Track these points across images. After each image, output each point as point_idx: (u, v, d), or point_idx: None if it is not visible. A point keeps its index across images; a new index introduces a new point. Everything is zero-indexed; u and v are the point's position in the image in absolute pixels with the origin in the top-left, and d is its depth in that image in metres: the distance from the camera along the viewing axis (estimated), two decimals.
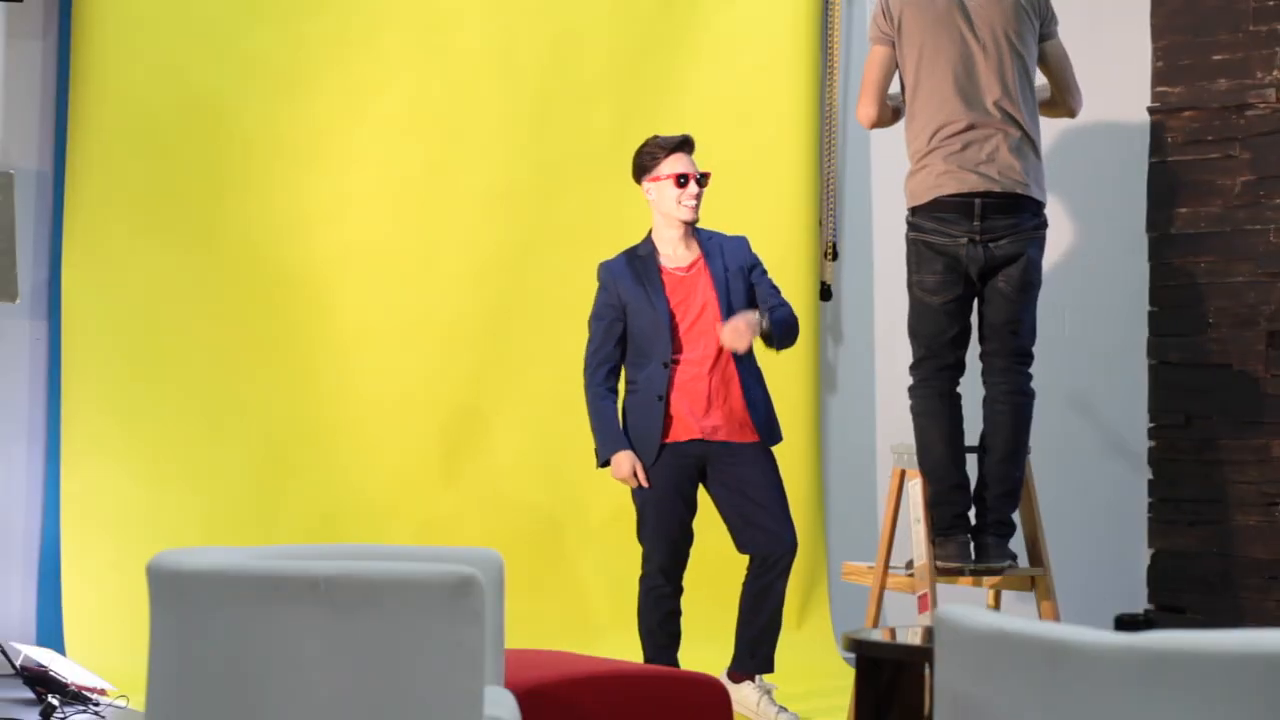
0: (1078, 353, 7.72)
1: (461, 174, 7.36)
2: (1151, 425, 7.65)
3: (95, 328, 6.93)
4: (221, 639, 3.89)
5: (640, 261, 6.20)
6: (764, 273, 6.29)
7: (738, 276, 6.20)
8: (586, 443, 7.39)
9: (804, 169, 7.65)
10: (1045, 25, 6.20)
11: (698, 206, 6.17)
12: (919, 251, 6.02)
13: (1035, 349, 6.18)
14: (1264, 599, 7.25)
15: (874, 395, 7.80)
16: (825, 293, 7.74)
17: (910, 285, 6.08)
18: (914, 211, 6.05)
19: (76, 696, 5.97)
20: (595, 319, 6.25)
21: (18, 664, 6.13)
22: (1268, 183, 7.31)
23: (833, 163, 7.75)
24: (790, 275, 7.53)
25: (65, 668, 6.21)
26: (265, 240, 7.16)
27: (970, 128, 6.01)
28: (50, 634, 6.79)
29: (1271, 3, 7.31)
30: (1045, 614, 6.16)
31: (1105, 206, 7.76)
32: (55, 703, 5.90)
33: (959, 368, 6.07)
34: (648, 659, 6.10)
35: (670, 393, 6.11)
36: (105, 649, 6.65)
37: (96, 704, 5.98)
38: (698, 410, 6.11)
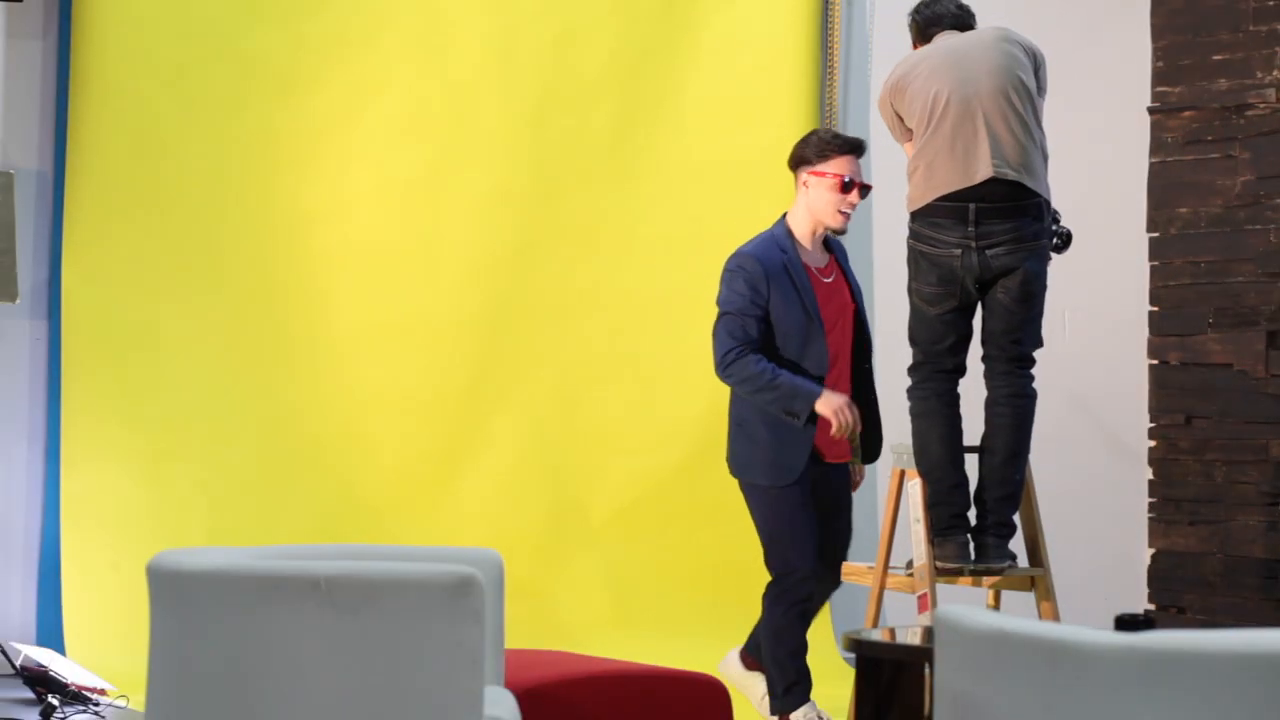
0: (1078, 353, 7.72)
1: (461, 174, 7.36)
2: (1151, 425, 7.65)
3: (95, 328, 6.92)
4: (221, 639, 3.89)
5: (788, 258, 5.70)
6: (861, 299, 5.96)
7: (859, 295, 5.92)
8: (587, 443, 7.41)
9: None
10: (1039, 82, 6.13)
11: (849, 218, 5.78)
12: (916, 260, 5.98)
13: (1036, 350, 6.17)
14: (1264, 599, 7.25)
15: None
16: None
17: (910, 290, 6.06)
18: (912, 219, 6.02)
19: (76, 696, 5.97)
20: (733, 316, 5.65)
21: (18, 664, 6.13)
22: (1268, 183, 7.31)
23: None
24: None
25: (65, 668, 6.21)
26: (265, 240, 7.16)
27: (967, 139, 5.92)
28: (50, 634, 6.79)
29: (1271, 3, 7.31)
30: (1045, 614, 6.16)
31: (1105, 206, 7.76)
32: (55, 703, 5.90)
33: (958, 371, 6.06)
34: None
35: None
36: (105, 649, 6.65)
37: (96, 704, 5.98)
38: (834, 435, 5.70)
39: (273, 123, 7.16)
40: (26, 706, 5.99)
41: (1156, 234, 7.66)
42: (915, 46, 6.12)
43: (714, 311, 7.18)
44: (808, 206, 5.77)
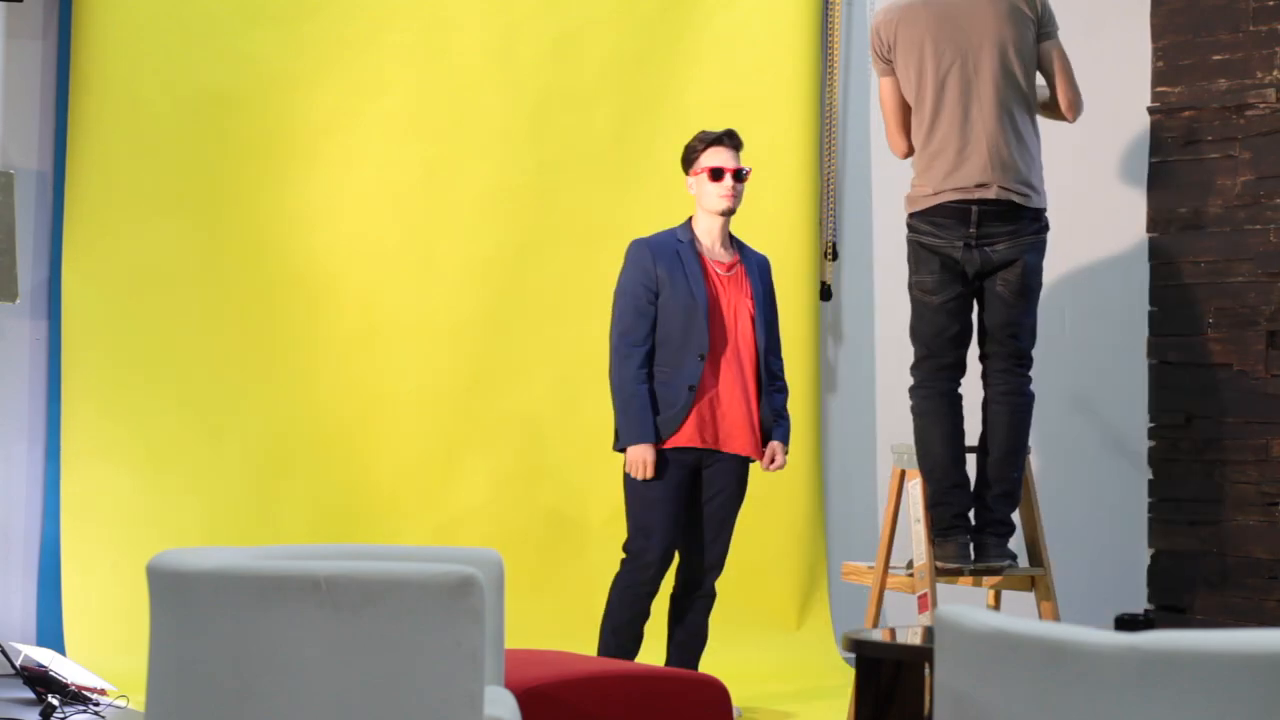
0: (1078, 353, 7.72)
1: (461, 174, 7.36)
2: (1151, 425, 7.65)
3: (95, 328, 6.93)
4: (221, 639, 3.89)
5: (681, 245, 6.11)
6: (775, 309, 6.23)
7: (765, 299, 6.17)
8: (587, 443, 7.40)
9: (804, 169, 7.66)
10: (1043, 26, 6.18)
11: (734, 197, 6.09)
12: (916, 252, 6.04)
13: (1035, 349, 6.18)
14: (1264, 599, 7.25)
15: (874, 395, 7.80)
16: (825, 293, 7.74)
17: (910, 286, 6.09)
18: (912, 215, 6.07)
19: (76, 696, 5.97)
20: (626, 295, 6.08)
21: (18, 664, 6.13)
22: (1268, 183, 7.31)
23: (833, 163, 7.75)
24: (790, 275, 7.53)
25: (65, 668, 6.21)
26: (265, 240, 7.16)
27: (966, 141, 6.01)
28: (50, 634, 6.79)
29: (1271, 3, 7.31)
30: (1045, 614, 6.16)
31: (1105, 206, 7.76)
32: (55, 703, 5.90)
33: (959, 368, 6.08)
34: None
35: (701, 386, 6.02)
36: (105, 649, 6.65)
37: (96, 704, 5.98)
38: (731, 427, 6.05)
39: (273, 123, 7.17)
40: (26, 706, 5.99)
41: (1156, 234, 7.66)
42: None
43: None
44: (698, 204, 6.17)
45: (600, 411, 7.28)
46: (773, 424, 6.15)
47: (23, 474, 6.94)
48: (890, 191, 7.78)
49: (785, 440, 6.19)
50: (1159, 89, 7.65)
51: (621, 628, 6.06)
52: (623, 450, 6.03)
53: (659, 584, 6.11)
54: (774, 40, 7.63)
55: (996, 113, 6.01)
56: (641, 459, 5.98)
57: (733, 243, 6.21)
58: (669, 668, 5.84)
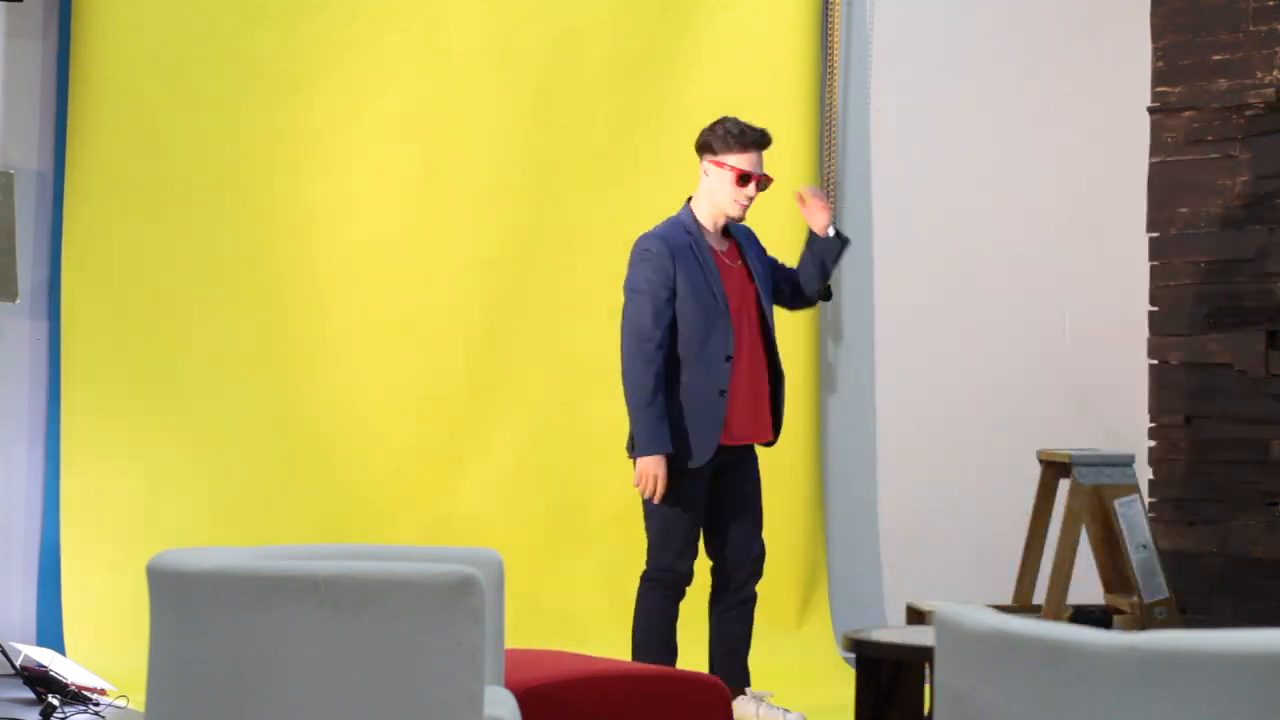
0: (1078, 353, 7.72)
1: (461, 174, 7.36)
2: (1151, 425, 7.66)
3: (95, 328, 6.92)
4: (221, 639, 3.89)
5: (693, 240, 5.88)
6: (769, 261, 6.14)
7: (766, 269, 6.07)
8: (587, 442, 7.40)
9: (804, 168, 7.65)
10: None
11: (748, 208, 5.94)
12: None
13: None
14: (1264, 599, 7.25)
15: (874, 395, 7.80)
16: (825, 293, 7.74)
17: None
18: None
19: (76, 696, 5.97)
20: (642, 295, 5.81)
21: (18, 664, 6.13)
22: (1268, 182, 7.31)
23: (833, 163, 7.74)
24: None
25: (65, 668, 6.21)
26: (265, 240, 7.15)
27: None
28: (50, 634, 6.79)
29: (1271, 3, 7.31)
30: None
31: (1105, 206, 7.76)
32: (55, 703, 5.90)
33: None
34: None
35: (731, 389, 5.83)
36: (105, 649, 6.65)
37: (96, 704, 5.98)
38: (744, 418, 5.90)
39: (273, 122, 7.16)
40: (26, 706, 5.99)
41: (1156, 234, 7.66)
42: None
43: None
44: (708, 193, 5.95)
45: (600, 411, 7.28)
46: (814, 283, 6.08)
47: (23, 474, 6.94)
48: (890, 192, 7.78)
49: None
50: (1159, 89, 7.65)
51: (653, 651, 5.90)
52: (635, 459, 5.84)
53: (682, 595, 5.98)
54: (774, 40, 7.63)
55: None
56: (653, 473, 5.76)
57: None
58: (669, 668, 5.83)
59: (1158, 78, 7.64)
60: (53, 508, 6.88)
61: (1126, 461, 6.46)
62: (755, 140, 5.93)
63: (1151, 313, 7.66)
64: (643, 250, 5.89)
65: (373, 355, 7.24)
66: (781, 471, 7.45)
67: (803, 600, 7.54)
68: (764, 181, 5.95)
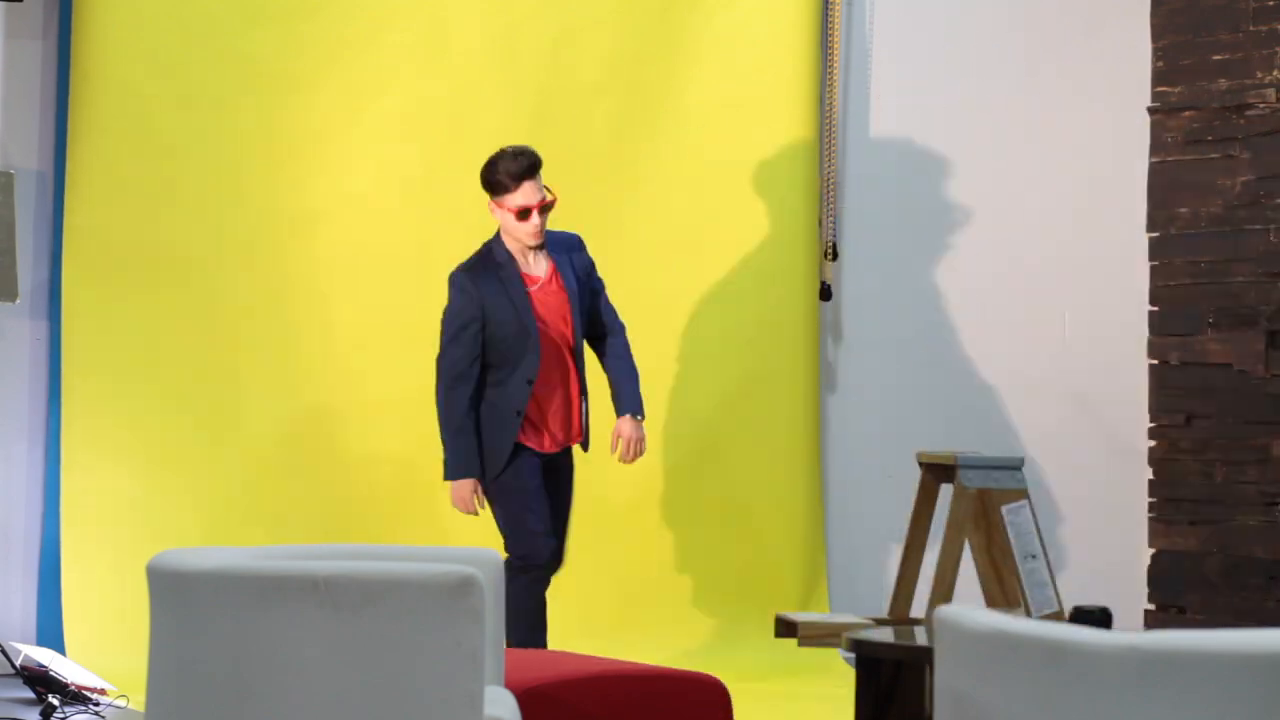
0: (1078, 353, 7.72)
1: (461, 174, 7.35)
2: (1151, 425, 7.66)
3: (95, 328, 6.92)
4: (221, 639, 3.89)
5: (500, 269, 6.18)
6: (600, 283, 6.36)
7: (585, 288, 6.30)
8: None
9: (804, 169, 7.65)
10: None
11: (542, 230, 6.17)
12: None
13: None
14: (1264, 599, 7.25)
15: (874, 395, 7.80)
16: (825, 293, 7.73)
17: None
18: None
19: (76, 696, 5.97)
20: (452, 326, 6.15)
21: (18, 664, 6.13)
22: (1268, 183, 7.31)
23: (833, 163, 7.74)
24: (790, 275, 7.53)
25: (65, 668, 6.20)
26: (265, 240, 7.15)
27: None
28: (50, 634, 6.79)
29: (1271, 3, 7.31)
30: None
31: (1105, 206, 7.76)
32: (55, 703, 5.90)
33: None
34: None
35: (529, 409, 6.16)
36: (105, 649, 6.65)
37: (96, 704, 5.98)
38: (556, 426, 6.22)
39: (273, 122, 7.16)
40: (26, 706, 5.99)
41: (1156, 234, 7.66)
42: None
43: (713, 310, 7.16)
44: (503, 229, 6.21)
45: (599, 411, 7.28)
46: (617, 395, 6.30)
47: (23, 474, 6.94)
48: (890, 192, 7.78)
49: (636, 408, 6.31)
50: (1159, 89, 7.65)
51: (522, 632, 6.13)
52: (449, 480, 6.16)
53: (543, 578, 6.24)
54: (774, 40, 7.62)
55: None
56: (466, 495, 6.12)
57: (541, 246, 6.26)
58: (669, 668, 5.84)
59: (1158, 78, 7.64)
60: (53, 508, 6.88)
61: (1015, 465, 6.19)
62: (520, 174, 6.14)
63: (1151, 313, 7.66)
64: (454, 283, 6.18)
65: (373, 355, 7.24)
66: (781, 471, 7.45)
67: (803, 599, 7.54)
68: (545, 206, 6.17)
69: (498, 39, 7.38)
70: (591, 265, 6.36)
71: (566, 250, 6.31)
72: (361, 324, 7.24)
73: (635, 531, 7.30)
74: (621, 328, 6.40)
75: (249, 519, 7.02)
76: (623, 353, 6.36)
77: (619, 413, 6.31)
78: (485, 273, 6.18)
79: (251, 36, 7.12)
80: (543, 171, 7.52)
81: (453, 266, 7.35)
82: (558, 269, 6.26)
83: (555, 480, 6.29)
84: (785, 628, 6.01)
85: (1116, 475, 7.69)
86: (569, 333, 6.23)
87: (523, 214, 6.14)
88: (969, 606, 3.22)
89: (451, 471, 6.15)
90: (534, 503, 6.16)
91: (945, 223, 7.76)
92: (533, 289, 6.20)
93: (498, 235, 6.27)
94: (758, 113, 7.58)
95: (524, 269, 6.22)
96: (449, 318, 6.17)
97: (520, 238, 6.18)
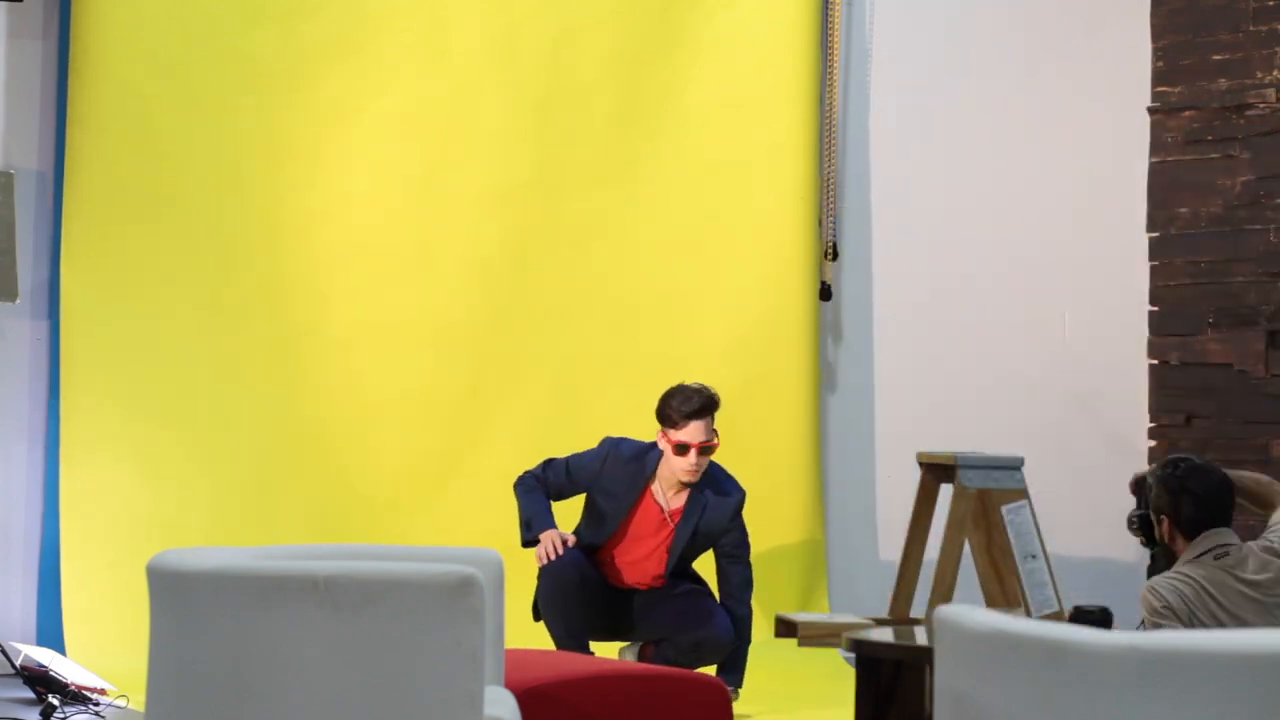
0: (1078, 353, 7.72)
1: (461, 174, 7.36)
2: (1151, 425, 7.65)
3: (95, 328, 6.92)
4: (221, 639, 3.89)
5: (636, 475, 6.26)
6: (738, 546, 6.31)
7: (704, 540, 6.28)
8: (586, 442, 7.38)
9: (804, 169, 7.65)
10: None
11: (697, 471, 6.20)
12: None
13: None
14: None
15: (874, 395, 7.80)
16: (825, 293, 7.74)
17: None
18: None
19: (76, 696, 5.97)
20: (571, 463, 6.32)
21: (18, 664, 6.12)
22: (1268, 183, 7.31)
23: (833, 163, 7.75)
24: (790, 275, 7.53)
25: (65, 668, 6.20)
26: (265, 240, 7.15)
27: None
28: (50, 634, 6.79)
29: (1271, 3, 7.31)
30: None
31: (1105, 206, 7.76)
32: (55, 703, 5.90)
33: None
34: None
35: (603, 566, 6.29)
36: (105, 649, 6.64)
37: (96, 704, 5.98)
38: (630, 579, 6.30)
39: (273, 122, 7.16)
40: (26, 706, 5.98)
41: (1156, 234, 7.66)
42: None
43: (712, 311, 7.15)
44: (664, 456, 6.25)
45: (599, 410, 7.29)
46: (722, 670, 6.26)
47: (23, 473, 6.94)
48: (890, 192, 7.78)
49: (736, 681, 6.23)
50: (1159, 89, 7.65)
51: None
52: (532, 542, 6.20)
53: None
54: (774, 40, 7.63)
55: None
56: (550, 540, 6.14)
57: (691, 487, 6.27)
58: (669, 668, 5.84)
59: (1158, 78, 7.64)
60: (53, 508, 6.88)
61: (1015, 465, 6.17)
62: (689, 413, 6.17)
63: (1151, 313, 7.66)
64: (602, 443, 6.34)
65: (372, 354, 7.24)
66: (781, 471, 7.45)
67: (802, 599, 7.54)
68: (706, 447, 6.20)
69: (498, 39, 7.39)
70: (731, 529, 6.30)
71: (706, 504, 6.28)
72: (361, 324, 7.24)
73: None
74: (745, 612, 6.35)
75: (249, 519, 7.02)
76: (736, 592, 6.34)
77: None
78: (628, 463, 6.26)
79: (251, 36, 7.12)
80: (542, 171, 7.52)
81: (452, 266, 7.37)
82: (683, 518, 6.27)
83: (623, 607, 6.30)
84: (785, 628, 6.01)
85: (1116, 475, 7.68)
86: (652, 569, 6.29)
87: (680, 449, 6.19)
88: (969, 606, 3.22)
89: (534, 529, 6.21)
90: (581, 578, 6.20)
91: (945, 223, 7.76)
92: (648, 508, 6.27)
93: (657, 450, 6.29)
94: (758, 113, 7.58)
95: (655, 494, 6.27)
96: (575, 457, 6.33)
97: (674, 471, 6.22)
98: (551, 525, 6.18)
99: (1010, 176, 7.77)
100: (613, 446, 6.32)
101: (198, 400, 7.05)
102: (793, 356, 7.49)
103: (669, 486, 6.27)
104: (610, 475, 6.25)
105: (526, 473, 6.32)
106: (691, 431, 6.19)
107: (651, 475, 6.27)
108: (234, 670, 3.87)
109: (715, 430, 6.23)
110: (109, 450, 6.91)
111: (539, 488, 6.28)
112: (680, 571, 6.31)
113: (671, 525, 6.26)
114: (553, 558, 6.11)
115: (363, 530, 7.12)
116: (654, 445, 6.29)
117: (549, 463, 6.34)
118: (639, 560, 6.27)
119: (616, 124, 7.48)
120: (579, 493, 6.31)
